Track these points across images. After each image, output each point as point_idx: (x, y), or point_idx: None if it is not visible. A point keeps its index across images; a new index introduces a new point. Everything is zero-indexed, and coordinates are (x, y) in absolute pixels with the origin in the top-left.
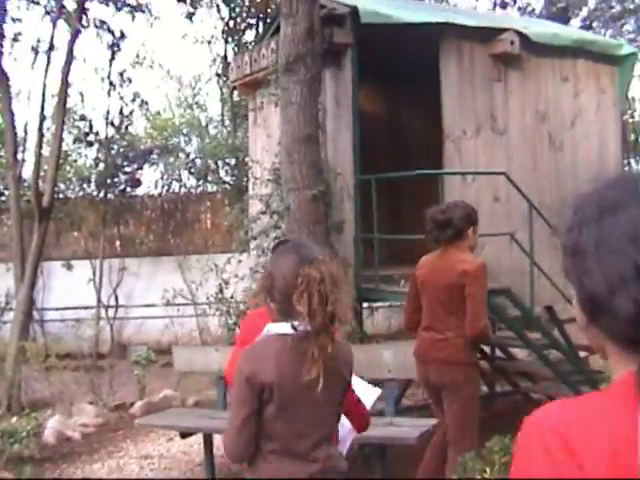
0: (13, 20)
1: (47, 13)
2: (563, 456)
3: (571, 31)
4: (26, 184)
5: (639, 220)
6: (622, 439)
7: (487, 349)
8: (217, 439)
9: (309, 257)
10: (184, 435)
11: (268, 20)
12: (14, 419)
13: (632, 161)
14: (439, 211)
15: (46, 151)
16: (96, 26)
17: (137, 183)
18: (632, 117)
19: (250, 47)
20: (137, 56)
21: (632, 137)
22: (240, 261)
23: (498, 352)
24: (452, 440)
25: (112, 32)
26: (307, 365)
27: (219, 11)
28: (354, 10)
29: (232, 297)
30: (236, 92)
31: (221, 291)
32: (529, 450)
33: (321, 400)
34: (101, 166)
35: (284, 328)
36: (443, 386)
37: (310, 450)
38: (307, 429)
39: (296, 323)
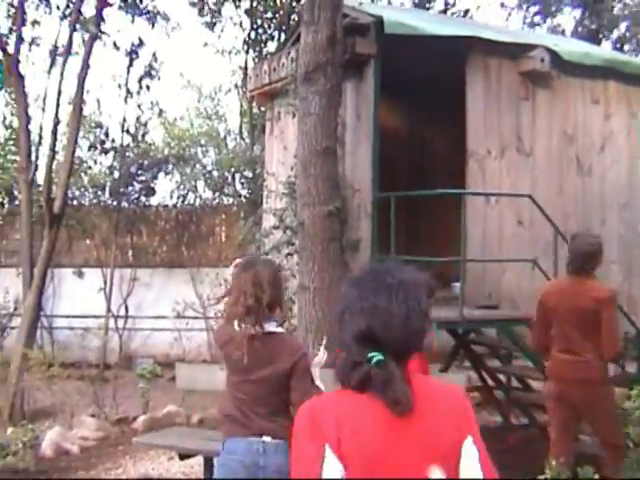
0: (32, 24)
1: (64, 17)
2: (310, 425)
3: (603, 51)
4: (40, 189)
5: (355, 299)
6: (345, 415)
7: (503, 378)
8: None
9: (247, 266)
10: (183, 456)
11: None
12: (9, 430)
13: None
14: (588, 244)
15: (60, 156)
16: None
17: (151, 192)
18: None
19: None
20: (150, 66)
21: None
22: None
23: (515, 382)
24: (613, 444)
25: (116, 46)
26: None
27: (241, 23)
28: (378, 20)
29: None
30: (254, 103)
31: None
32: (297, 423)
33: (259, 380)
34: (116, 174)
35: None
36: (586, 403)
37: (251, 420)
38: (247, 402)
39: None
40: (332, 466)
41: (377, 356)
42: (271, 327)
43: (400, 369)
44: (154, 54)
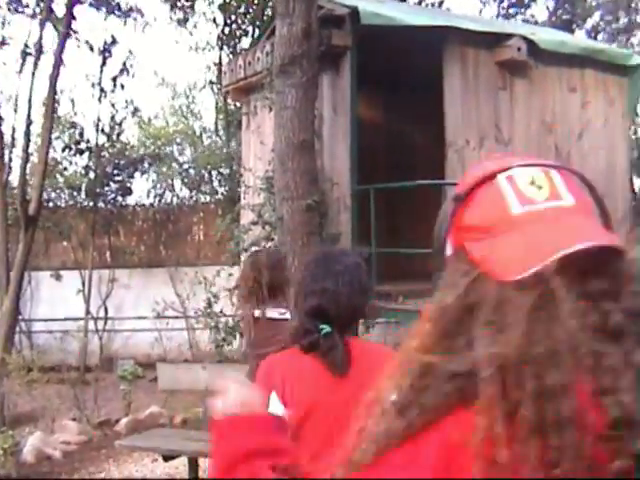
0: (2, 23)
1: (33, 16)
2: (263, 376)
3: (579, 39)
4: (14, 191)
5: (309, 281)
6: (291, 369)
7: None
8: (203, 462)
9: (250, 255)
10: (167, 458)
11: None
12: None
13: (634, 177)
14: None
15: (35, 158)
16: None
17: (128, 192)
18: (635, 133)
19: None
20: (124, 64)
21: (636, 153)
22: (231, 274)
23: None
24: None
25: (89, 44)
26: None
27: (214, 19)
28: (354, 11)
29: (221, 312)
30: (229, 98)
31: (210, 305)
32: (256, 375)
33: (260, 356)
34: (91, 174)
35: None
36: None
37: None
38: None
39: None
40: (275, 410)
41: (326, 329)
42: (273, 313)
43: (342, 339)
44: (130, 51)
